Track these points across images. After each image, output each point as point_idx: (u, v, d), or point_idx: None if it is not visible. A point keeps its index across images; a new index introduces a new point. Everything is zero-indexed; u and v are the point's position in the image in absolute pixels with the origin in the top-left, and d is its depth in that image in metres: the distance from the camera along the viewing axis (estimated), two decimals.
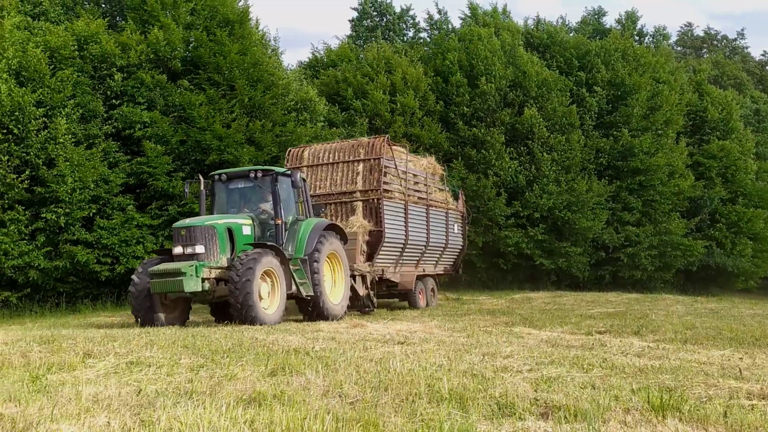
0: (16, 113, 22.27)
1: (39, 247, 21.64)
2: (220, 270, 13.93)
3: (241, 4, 30.67)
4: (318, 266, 15.33)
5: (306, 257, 15.23)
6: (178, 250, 13.96)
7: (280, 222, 15.19)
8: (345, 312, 16.41)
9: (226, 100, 26.22)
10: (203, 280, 13.58)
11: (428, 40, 44.36)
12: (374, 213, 18.86)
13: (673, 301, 23.93)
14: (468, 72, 34.51)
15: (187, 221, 14.77)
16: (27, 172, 22.03)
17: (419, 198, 21.18)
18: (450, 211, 23.06)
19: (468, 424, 4.63)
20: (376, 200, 18.84)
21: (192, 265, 13.44)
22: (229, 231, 14.47)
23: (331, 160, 19.95)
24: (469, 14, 41.56)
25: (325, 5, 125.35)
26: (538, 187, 33.41)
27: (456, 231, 23.43)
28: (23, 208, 21.71)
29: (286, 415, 4.60)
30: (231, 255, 14.23)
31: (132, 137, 24.97)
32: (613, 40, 40.07)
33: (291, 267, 14.85)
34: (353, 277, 17.68)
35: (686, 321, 14.83)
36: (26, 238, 21.67)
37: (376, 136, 22.09)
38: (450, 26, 43.14)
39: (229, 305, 13.82)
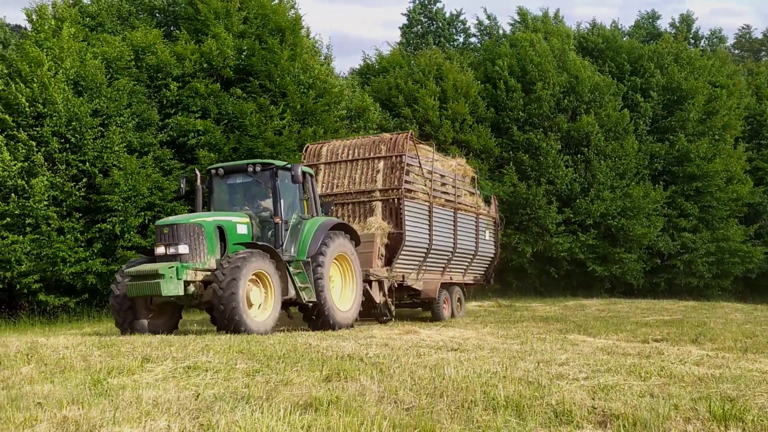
0: (74, 122, 22.79)
1: (96, 253, 22.07)
2: (207, 272, 12.75)
3: (292, 13, 30.99)
4: (322, 270, 14.14)
5: (309, 259, 14.09)
6: (160, 250, 12.82)
7: (278, 220, 14.04)
8: (356, 321, 15.34)
9: (276, 107, 26.45)
10: (188, 283, 12.50)
11: (478, 45, 44.22)
12: (394, 214, 17.45)
13: (731, 309, 23.47)
14: (519, 77, 34.29)
15: (171, 218, 13.75)
16: (84, 181, 22.52)
17: (446, 200, 19.75)
18: (481, 216, 21.68)
19: (525, 431, 4.60)
20: (396, 200, 17.43)
21: (172, 267, 12.31)
22: (220, 230, 13.35)
23: (350, 157, 18.63)
24: (519, 19, 41.34)
25: (377, 12, 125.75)
26: (593, 193, 33.05)
27: (487, 238, 22.07)
28: (80, 215, 22.16)
29: (342, 420, 4.62)
30: (221, 256, 13.09)
31: (186, 145, 25.37)
32: (666, 43, 39.53)
33: (292, 270, 13.77)
34: (369, 282, 16.51)
35: (746, 329, 14.55)
36: (83, 245, 22.11)
37: (400, 131, 21.07)
38: (500, 31, 42.95)
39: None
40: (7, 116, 23.13)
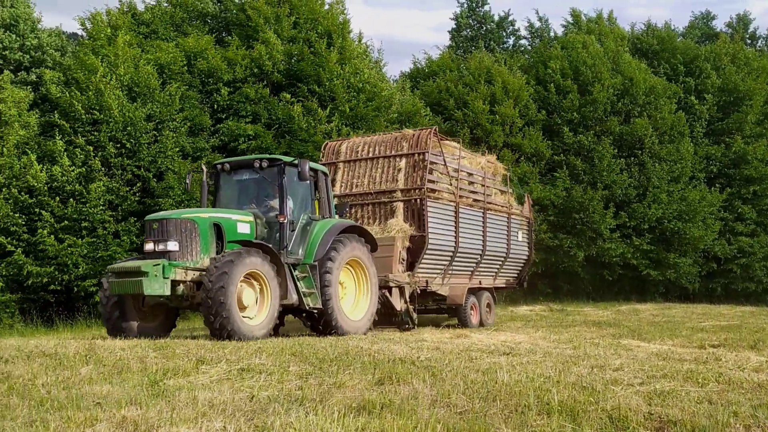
0: (129, 128, 23.21)
1: None
2: (199, 272, 11.81)
3: (341, 17, 31.16)
4: (330, 277, 13.08)
5: (316, 263, 13.08)
6: (148, 246, 11.92)
7: (282, 219, 12.96)
8: (369, 330, 14.13)
9: (324, 111, 26.58)
10: (177, 282, 11.62)
11: (529, 48, 43.91)
12: (417, 215, 16.33)
13: None
14: (572, 79, 33.94)
15: (162, 213, 12.73)
16: (138, 185, 22.94)
17: (474, 200, 18.51)
18: (513, 217, 20.27)
19: None
20: (419, 201, 16.29)
21: (158, 264, 11.40)
22: (217, 227, 12.42)
23: (370, 155, 17.49)
24: (572, 21, 40.92)
25: (426, 16, 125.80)
26: (649, 197, 32.60)
27: (520, 239, 20.70)
28: (135, 219, 22.55)
29: (396, 423, 4.63)
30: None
31: (237, 150, 25.63)
32: (723, 44, 38.82)
33: (298, 274, 12.92)
34: (389, 289, 15.46)
35: None
36: (138, 248, 22.49)
37: (423, 127, 20.09)
38: (552, 33, 42.57)
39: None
40: (65, 123, 23.66)
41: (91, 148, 22.75)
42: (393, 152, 17.18)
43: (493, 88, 33.03)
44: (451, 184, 17.44)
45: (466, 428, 4.68)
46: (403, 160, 16.92)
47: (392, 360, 8.34)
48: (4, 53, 30.21)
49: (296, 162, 13.19)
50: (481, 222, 18.54)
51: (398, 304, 15.72)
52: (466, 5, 45.91)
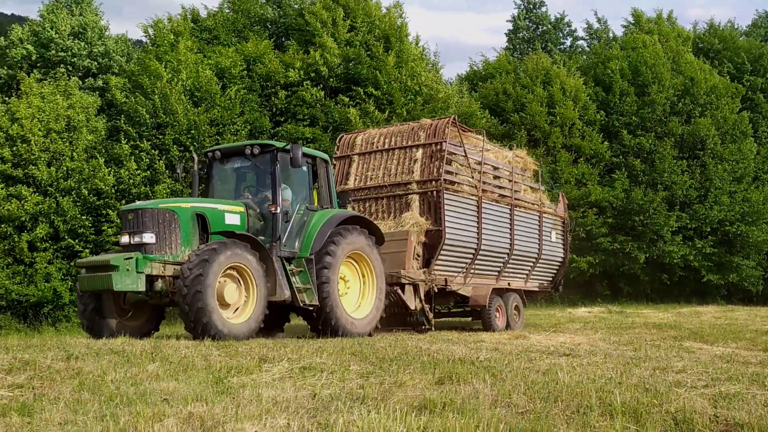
0: (192, 131, 23.60)
1: None
2: (180, 266, 10.76)
3: (399, 21, 31.23)
4: (328, 273, 11.97)
5: (312, 257, 12.01)
6: (124, 239, 11.08)
7: (274, 209, 11.91)
8: (373, 330, 13.02)
9: (382, 114, 26.64)
10: (154, 278, 10.69)
11: (587, 49, 43.40)
12: (433, 209, 15.14)
13: None
14: (631, 80, 33.42)
15: (138, 203, 11.71)
16: (201, 187, 23.26)
17: (501, 196, 17.13)
18: (545, 215, 18.79)
19: None
20: (435, 193, 15.07)
21: (130, 258, 10.44)
22: (201, 218, 11.42)
23: (385, 146, 16.31)
24: (633, 21, 40.29)
25: (483, 19, 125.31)
26: (711, 198, 31.92)
27: (554, 239, 19.20)
28: None
29: (458, 422, 4.61)
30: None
31: None
32: None
33: (293, 268, 11.91)
34: (401, 286, 14.28)
35: None
36: None
37: (442, 116, 18.84)
38: (611, 34, 42.00)
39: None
40: (130, 128, 24.17)
41: (156, 152, 23.19)
42: (409, 143, 16.06)
43: (551, 90, 32.71)
44: (473, 177, 16.21)
45: (528, 428, 4.64)
46: (420, 151, 15.79)
47: (451, 360, 8.32)
48: (73, 60, 30.97)
49: (288, 147, 12.19)
50: (509, 219, 17.28)
51: (412, 302, 14.58)
52: (522, 7, 45.63)
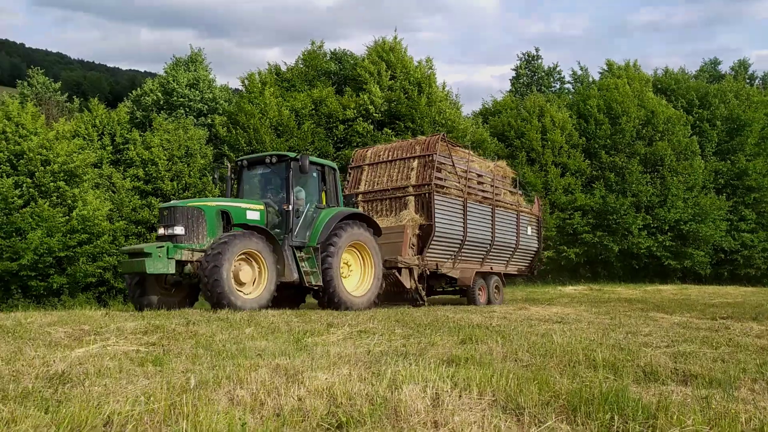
0: None
1: None
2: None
3: (429, 72, 31.21)
4: (331, 259, 11.48)
5: (319, 246, 11.55)
6: (160, 231, 10.72)
7: (287, 208, 11.47)
8: (371, 305, 12.28)
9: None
10: (184, 262, 10.32)
11: (572, 90, 42.85)
12: (426, 207, 14.64)
13: None
14: (606, 113, 33.03)
15: (172, 202, 11.24)
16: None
17: (484, 197, 16.42)
18: (522, 214, 17.97)
19: (622, 385, 4.40)
20: (427, 195, 14.59)
21: (162, 246, 10.13)
22: (224, 214, 10.95)
23: (389, 158, 15.86)
24: (606, 68, 39.76)
25: (493, 69, 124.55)
26: (668, 203, 31.38)
27: (530, 233, 18.35)
28: None
29: (478, 372, 4.57)
30: None
31: None
32: (728, 83, 37.15)
33: (303, 255, 11.45)
34: (398, 269, 13.81)
35: None
36: None
37: (434, 134, 18.23)
38: (591, 79, 41.44)
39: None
40: (231, 153, 24.45)
41: None
42: (407, 155, 15.57)
43: (544, 121, 32.39)
44: (459, 182, 15.60)
45: (531, 377, 4.57)
46: (416, 161, 15.26)
47: (471, 325, 8.26)
48: (189, 104, 31.46)
49: (298, 157, 11.60)
50: (490, 216, 16.53)
51: (408, 282, 14.11)
52: (523, 59, 45.22)
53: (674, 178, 31.88)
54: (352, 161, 16.73)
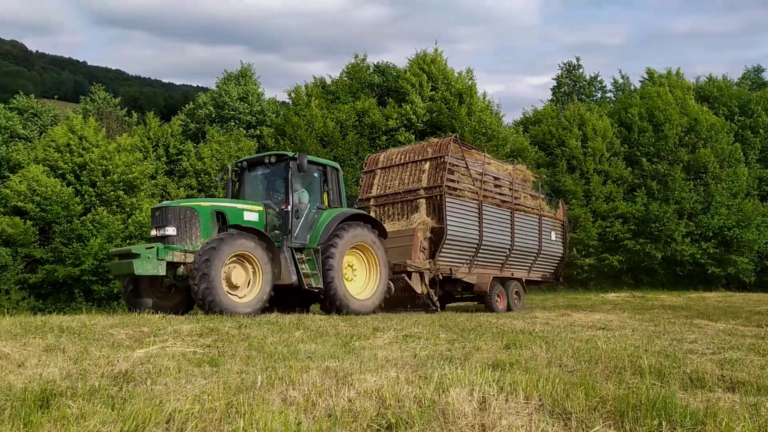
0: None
1: None
2: None
3: (469, 82, 31.12)
4: (332, 261, 10.78)
5: (319, 247, 10.85)
6: (153, 232, 10.16)
7: (285, 208, 10.87)
8: (376, 309, 11.59)
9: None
10: (176, 264, 9.69)
11: (613, 99, 42.12)
12: (438, 210, 13.83)
13: None
14: (648, 121, 32.36)
15: (164, 203, 10.59)
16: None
17: (502, 201, 15.50)
18: (545, 219, 16.92)
19: (669, 392, 4.30)
20: (438, 197, 13.79)
21: (152, 247, 9.53)
22: (220, 215, 10.32)
23: (401, 161, 15.07)
24: (647, 77, 39.00)
25: (535, 79, 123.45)
26: (712, 210, 30.50)
27: (553, 238, 17.28)
28: None
29: (524, 377, 4.53)
30: None
31: None
32: None
33: (303, 257, 10.77)
34: (408, 273, 12.98)
35: None
36: None
37: (446, 135, 17.29)
38: (632, 87, 40.67)
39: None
40: None
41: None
42: (419, 158, 14.76)
43: (585, 129, 31.93)
44: (473, 185, 14.69)
45: (577, 383, 4.50)
46: (428, 164, 14.48)
47: (514, 331, 8.18)
48: (239, 116, 32.04)
49: (296, 156, 10.98)
50: (509, 220, 15.60)
51: (419, 287, 13.25)
52: (565, 69, 44.66)
53: (718, 185, 31.02)
54: (365, 165, 16.01)
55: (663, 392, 4.20)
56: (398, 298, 13.42)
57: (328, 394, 4.21)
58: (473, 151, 16.08)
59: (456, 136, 15.45)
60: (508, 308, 15.03)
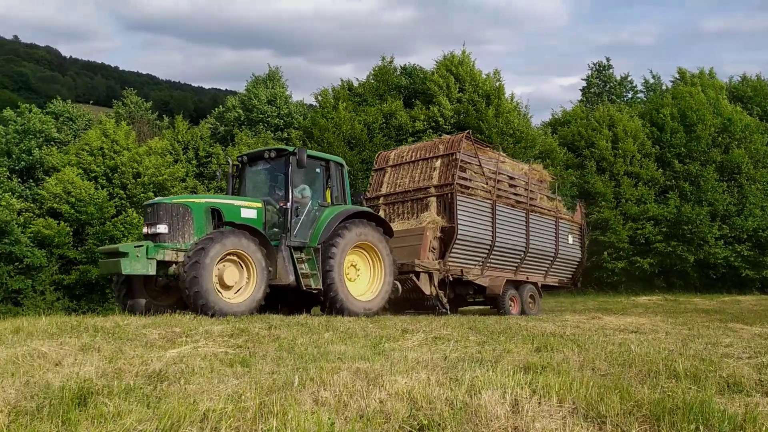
0: (349, 168, 24.08)
1: None
2: None
3: (497, 84, 30.96)
4: (332, 261, 10.25)
5: (319, 246, 10.35)
6: (144, 229, 9.73)
7: (283, 205, 10.37)
8: (379, 311, 11.03)
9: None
10: (168, 263, 9.26)
11: (644, 99, 41.49)
12: (448, 209, 13.33)
13: None
14: (680, 121, 31.80)
15: (156, 199, 10.21)
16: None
17: (517, 201, 14.97)
18: (562, 221, 16.29)
19: (706, 396, 4.22)
20: (449, 195, 13.25)
21: (141, 246, 9.11)
22: (215, 212, 9.88)
23: (412, 159, 14.59)
24: (679, 77, 38.37)
25: (564, 80, 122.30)
26: (746, 212, 29.83)
27: (571, 242, 16.65)
28: None
29: (556, 380, 4.48)
30: None
31: None
32: None
33: (303, 256, 10.28)
34: (416, 274, 12.52)
35: None
36: None
37: (460, 132, 16.77)
38: (663, 87, 40.03)
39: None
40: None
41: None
42: (430, 155, 14.23)
43: (615, 130, 31.51)
44: (487, 184, 14.16)
45: (611, 386, 4.44)
46: (439, 161, 13.92)
47: (544, 334, 8.09)
48: (267, 119, 32.32)
49: (295, 151, 10.50)
50: (524, 221, 15.05)
51: (427, 288, 12.73)
52: (595, 69, 44.17)
53: (752, 186, 30.32)
54: (375, 163, 15.58)
55: (700, 396, 4.13)
56: (406, 300, 13.06)
57: (360, 395, 4.22)
58: (487, 149, 15.60)
59: (468, 133, 15.03)
60: (522, 313, 14.47)
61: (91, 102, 45.87)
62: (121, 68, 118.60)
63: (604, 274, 29.16)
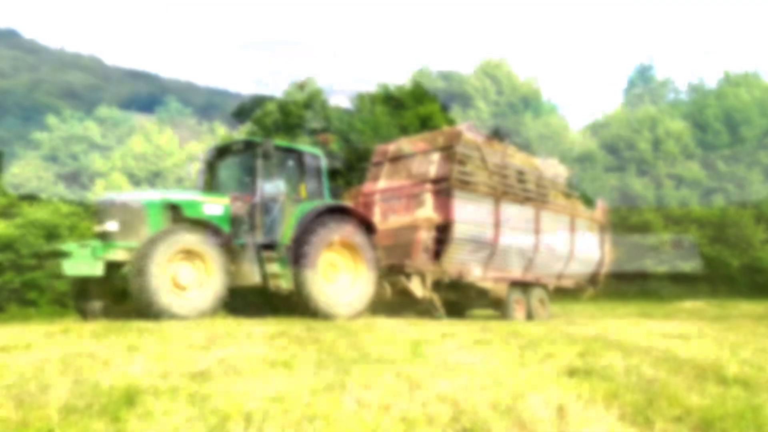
0: None
1: None
2: None
3: (535, 87, 30.74)
4: (305, 260, 9.45)
5: (291, 244, 9.64)
6: (95, 228, 9.15)
7: (249, 200, 9.70)
8: (359, 314, 10.17)
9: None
10: (119, 264, 8.58)
11: (686, 100, 40.62)
12: (445, 205, 12.34)
13: None
14: (724, 122, 31.02)
15: (107, 195, 9.70)
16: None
17: (526, 198, 13.93)
18: (579, 219, 15.30)
19: (759, 402, 4.09)
20: (446, 190, 12.28)
21: (86, 245, 8.55)
22: (174, 208, 9.13)
23: (411, 152, 13.71)
24: (723, 78, 37.45)
25: (603, 82, 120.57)
26: None
27: (589, 241, 15.79)
28: None
29: (602, 385, 4.40)
30: None
31: None
32: None
33: (273, 254, 9.55)
34: (407, 276, 11.59)
35: None
36: None
37: (461, 123, 15.72)
38: (706, 88, 39.14)
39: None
40: (343, 169, 25.06)
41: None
42: (430, 148, 13.30)
43: (657, 132, 30.91)
44: (490, 179, 13.17)
45: (658, 392, 4.35)
46: (437, 154, 12.93)
47: (587, 339, 7.93)
48: (304, 123, 32.62)
49: (261, 142, 9.89)
50: (533, 220, 14.05)
51: (419, 291, 11.73)
52: (637, 70, 43.50)
53: None
54: (374, 157, 14.70)
55: (752, 403, 4.00)
56: (396, 302, 12.13)
57: (402, 398, 4.21)
58: (494, 141, 14.64)
59: (470, 123, 14.19)
60: (530, 316, 13.67)
61: (132, 109, 46.99)
62: (161, 75, 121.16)
63: (646, 278, 28.61)
